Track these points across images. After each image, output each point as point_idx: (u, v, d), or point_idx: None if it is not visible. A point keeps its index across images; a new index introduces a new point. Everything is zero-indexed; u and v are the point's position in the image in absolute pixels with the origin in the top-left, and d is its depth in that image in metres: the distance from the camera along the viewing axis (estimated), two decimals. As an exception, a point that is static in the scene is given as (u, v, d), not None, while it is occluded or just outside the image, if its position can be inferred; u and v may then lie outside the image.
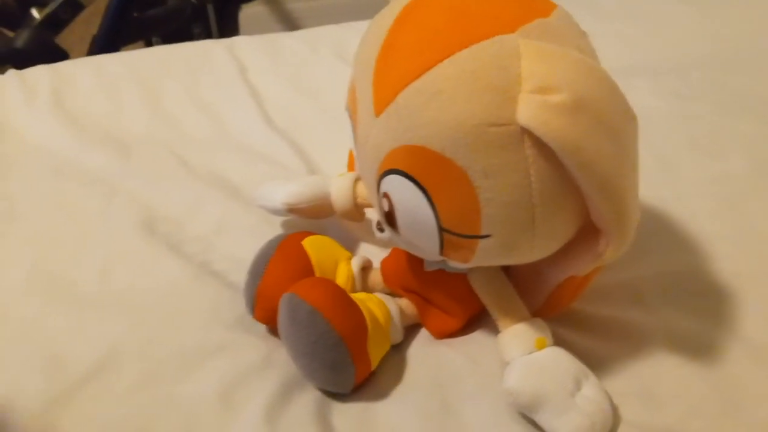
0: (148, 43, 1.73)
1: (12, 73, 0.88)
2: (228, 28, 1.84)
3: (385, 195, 0.48)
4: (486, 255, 0.47)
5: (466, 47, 0.42)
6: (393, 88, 0.44)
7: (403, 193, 0.47)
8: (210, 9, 1.79)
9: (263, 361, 0.56)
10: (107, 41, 1.54)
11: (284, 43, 0.93)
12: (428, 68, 0.43)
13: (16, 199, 0.70)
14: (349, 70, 0.88)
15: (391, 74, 0.45)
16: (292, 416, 0.52)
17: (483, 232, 0.45)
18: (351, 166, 0.70)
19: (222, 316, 0.59)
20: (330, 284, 0.54)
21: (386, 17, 0.47)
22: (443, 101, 0.42)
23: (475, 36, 0.43)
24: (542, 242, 0.47)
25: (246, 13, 1.82)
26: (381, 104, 0.45)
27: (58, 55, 1.48)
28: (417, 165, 0.45)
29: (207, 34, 1.81)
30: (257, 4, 1.88)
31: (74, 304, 0.60)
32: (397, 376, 0.55)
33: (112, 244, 0.66)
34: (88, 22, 1.55)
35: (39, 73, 0.87)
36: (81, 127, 0.78)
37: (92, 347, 0.56)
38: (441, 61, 0.43)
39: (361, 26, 0.95)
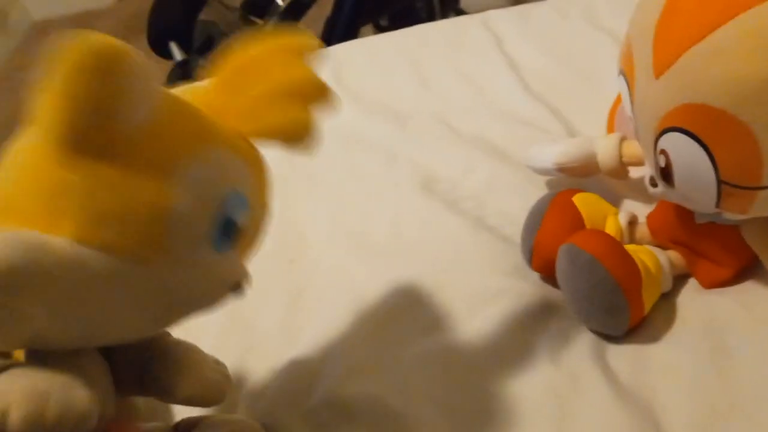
0: (376, 24, 1.82)
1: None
2: (450, 3, 1.89)
3: (662, 151, 0.52)
4: (765, 205, 0.50)
5: (748, 8, 0.45)
6: (675, 50, 0.48)
7: (681, 149, 0.50)
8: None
9: (541, 305, 0.62)
10: (347, 23, 1.64)
11: (535, 12, 0.98)
12: (712, 30, 0.46)
13: (314, 165, 0.81)
14: (599, 35, 0.91)
15: (672, 37, 0.49)
16: (572, 355, 0.57)
17: (764, 183, 0.48)
18: (610, 128, 0.73)
19: (499, 265, 0.66)
20: (606, 235, 0.59)
21: (665, -16, 0.51)
22: (727, 60, 0.45)
23: (757, -3, 0.45)
24: (824, 192, 0.48)
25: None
26: (662, 66, 0.49)
27: (302, 38, 1.60)
28: (697, 122, 0.48)
29: (430, 11, 1.87)
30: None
31: (371, 254, 0.70)
32: (668, 321, 0.59)
33: (398, 202, 0.75)
34: (320, 4, 1.66)
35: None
36: (360, 101, 0.89)
37: (392, 290, 0.66)
38: (725, 22, 0.46)
39: (608, -9, 0.98)
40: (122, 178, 0.37)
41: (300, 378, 0.61)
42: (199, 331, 0.65)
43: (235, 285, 0.46)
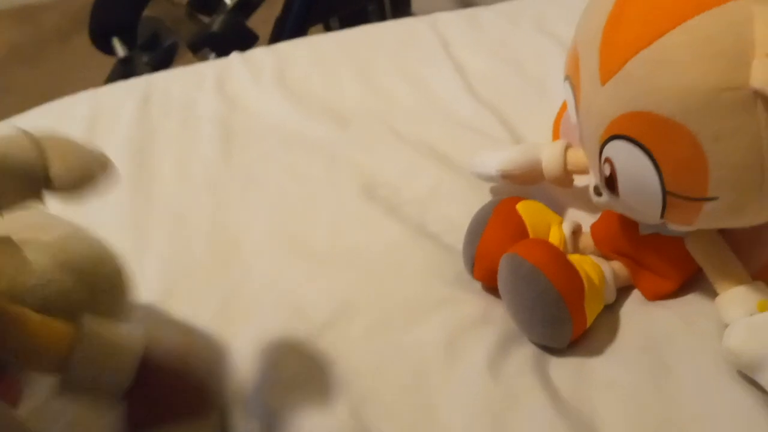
0: (327, 26, 1.81)
1: (236, 55, 0.97)
2: (401, 5, 1.88)
3: (607, 160, 0.51)
4: (711, 217, 0.49)
5: (697, 14, 0.44)
6: (622, 56, 0.47)
7: (627, 157, 0.49)
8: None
9: (482, 316, 0.60)
10: (297, 24, 1.62)
11: (484, 16, 0.96)
12: (659, 36, 0.45)
13: (254, 165, 0.78)
14: (548, 41, 0.90)
15: (619, 43, 0.47)
16: (512, 367, 0.56)
17: (710, 195, 0.47)
18: (556, 135, 0.72)
19: (440, 274, 0.64)
20: (549, 245, 0.57)
21: (613, -12, 0.49)
22: (675, 68, 0.44)
23: (706, 3, 0.44)
24: (770, 204, 0.47)
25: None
26: (608, 72, 0.48)
27: (249, 37, 1.57)
28: (644, 130, 0.47)
29: (381, 13, 1.86)
30: (430, -20, 1.90)
31: (309, 260, 0.67)
32: (611, 333, 0.58)
33: (338, 206, 0.72)
34: (270, 5, 1.64)
35: (261, 53, 0.96)
36: (303, 101, 0.86)
37: (328, 298, 0.63)
38: (672, 28, 0.44)
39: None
40: None
41: (229, 388, 0.57)
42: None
43: None
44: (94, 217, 0.73)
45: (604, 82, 0.48)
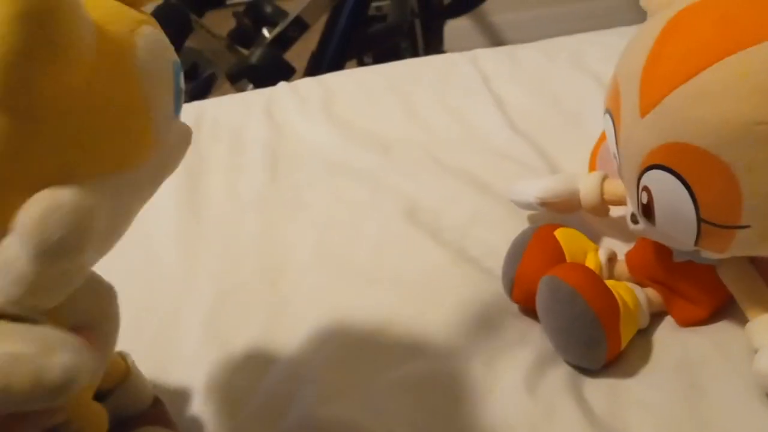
0: (360, 61, 1.84)
1: (284, 85, 1.02)
2: (434, 42, 1.91)
3: (645, 188, 0.53)
4: (742, 245, 0.51)
5: (734, 53, 0.47)
6: (660, 91, 0.49)
7: (664, 186, 0.51)
8: (417, 24, 1.88)
9: (520, 337, 0.62)
10: (335, 59, 1.66)
11: (522, 53, 1.00)
12: (696, 73, 0.47)
13: (301, 189, 0.82)
14: (585, 77, 0.94)
15: (658, 79, 0.50)
16: (548, 386, 0.58)
17: (742, 223, 0.49)
18: (593, 166, 0.75)
19: (479, 297, 0.66)
20: (587, 269, 0.60)
21: (653, 28, 0.52)
22: (711, 102, 0.47)
23: (743, 42, 0.47)
24: (801, 233, 0.50)
25: (451, 27, 1.89)
26: (647, 106, 0.51)
27: (287, 70, 1.62)
28: (680, 160, 0.50)
29: (414, 50, 1.90)
30: (462, 18, 1.94)
31: (353, 279, 0.70)
32: (644, 357, 0.60)
33: (381, 230, 0.75)
34: (304, 40, 1.68)
35: (308, 84, 1.01)
36: (347, 129, 0.90)
37: (371, 317, 0.66)
38: (709, 66, 0.47)
39: (593, 38, 1.02)
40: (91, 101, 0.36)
41: (274, 399, 0.60)
42: (174, 344, 0.66)
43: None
44: (147, 237, 0.78)
45: (643, 114, 0.51)
